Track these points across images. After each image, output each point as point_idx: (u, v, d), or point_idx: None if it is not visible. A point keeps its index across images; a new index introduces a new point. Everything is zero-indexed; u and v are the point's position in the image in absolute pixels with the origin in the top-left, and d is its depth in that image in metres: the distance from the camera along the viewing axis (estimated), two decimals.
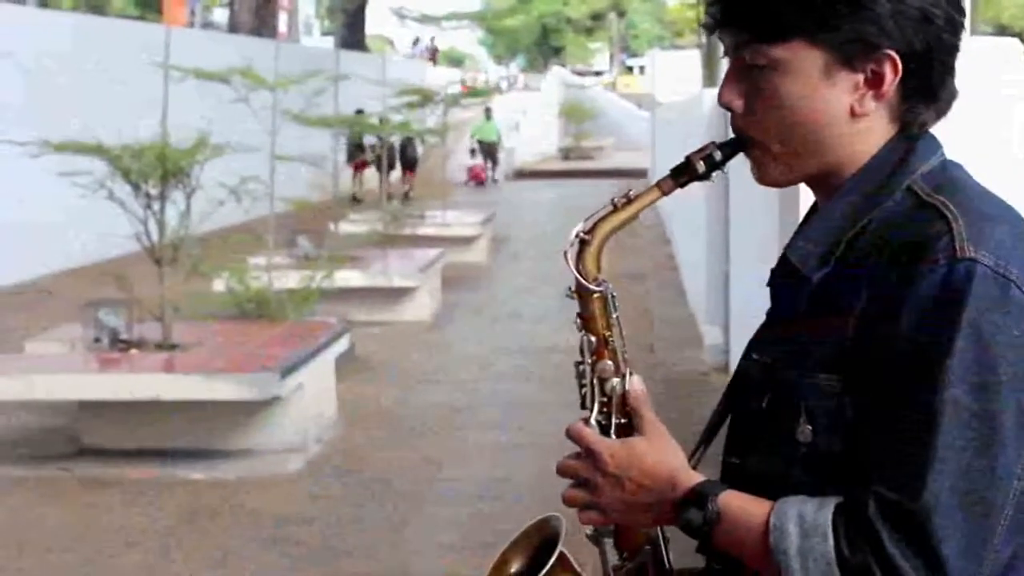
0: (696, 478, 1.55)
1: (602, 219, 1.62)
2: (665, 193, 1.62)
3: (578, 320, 1.64)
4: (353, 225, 14.13)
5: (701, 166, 1.61)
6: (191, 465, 7.15)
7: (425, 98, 16.10)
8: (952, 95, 1.58)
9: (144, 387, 7.12)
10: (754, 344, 1.69)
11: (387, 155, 19.00)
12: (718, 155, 1.62)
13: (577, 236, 1.61)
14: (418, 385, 9.53)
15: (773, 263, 1.66)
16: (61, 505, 6.62)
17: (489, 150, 30.76)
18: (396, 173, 22.76)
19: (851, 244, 1.54)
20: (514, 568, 1.71)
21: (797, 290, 1.58)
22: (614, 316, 1.63)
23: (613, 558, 1.69)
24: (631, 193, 1.62)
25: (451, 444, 7.87)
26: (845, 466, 1.47)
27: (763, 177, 1.64)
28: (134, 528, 6.24)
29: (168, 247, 8.03)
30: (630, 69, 65.83)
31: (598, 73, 69.47)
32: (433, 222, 16.27)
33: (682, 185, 1.63)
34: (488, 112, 31.02)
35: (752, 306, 8.26)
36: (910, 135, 1.57)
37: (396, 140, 24.00)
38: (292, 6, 33.46)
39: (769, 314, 1.70)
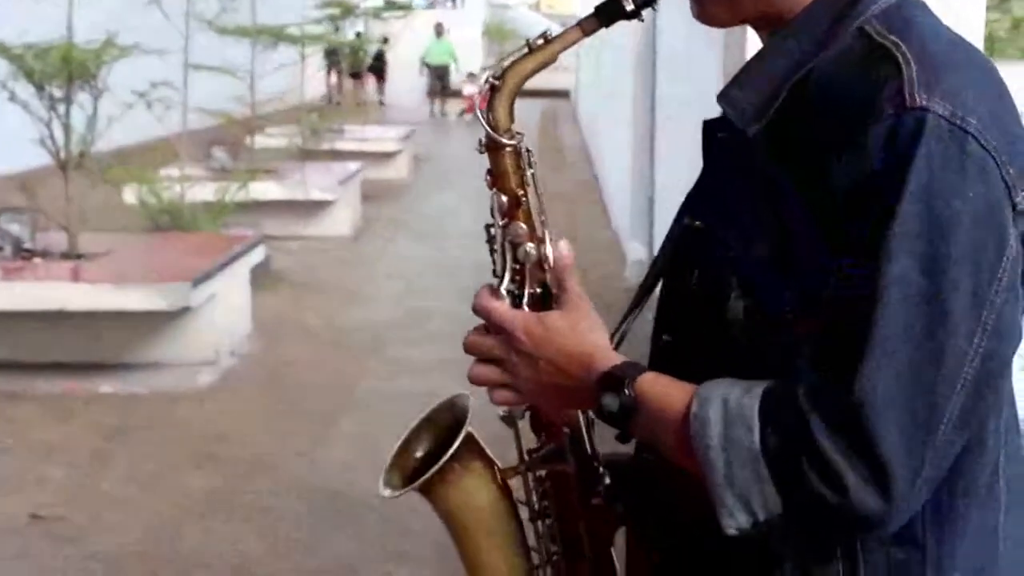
0: (614, 359, 1.36)
1: (515, 62, 1.42)
2: (587, 33, 1.42)
3: (488, 177, 1.45)
4: (270, 139, 13.79)
5: (629, 3, 1.40)
6: (101, 379, 6.92)
7: (346, 11, 15.70)
8: None
9: (49, 297, 6.83)
10: (685, 207, 1.51)
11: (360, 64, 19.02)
12: None
13: (487, 81, 1.42)
14: (338, 300, 9.32)
15: None
16: None
17: (439, 75, 27.72)
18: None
19: (792, 93, 1.34)
20: (420, 451, 1.55)
21: (732, 146, 1.40)
22: (529, 173, 1.44)
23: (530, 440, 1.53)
24: (548, 33, 1.42)
25: (372, 359, 7.69)
26: (778, 347, 1.29)
27: (703, 14, 1.44)
28: (55, 443, 6.01)
29: (76, 155, 7.72)
30: None
31: None
32: (352, 137, 15.98)
33: (607, 24, 1.42)
34: (439, 29, 28.35)
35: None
36: None
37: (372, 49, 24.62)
38: None
39: (702, 174, 1.52)
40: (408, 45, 29.36)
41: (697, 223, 1.44)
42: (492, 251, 1.47)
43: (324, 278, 10.07)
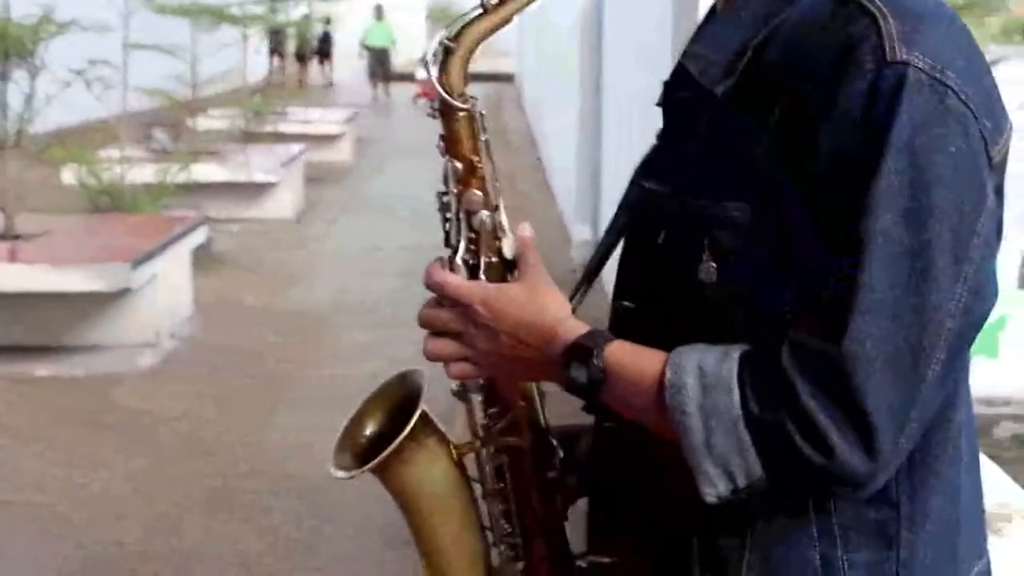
0: (579, 329, 1.32)
1: (470, 23, 1.37)
2: None
3: (441, 143, 1.40)
4: (212, 121, 13.62)
5: None
6: (39, 362, 6.80)
7: None
8: None
9: None
10: (643, 171, 1.47)
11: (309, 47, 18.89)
12: None
13: (440, 43, 1.37)
14: (280, 282, 9.22)
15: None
16: None
17: (379, 58, 26.75)
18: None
19: (759, 51, 1.30)
20: (370, 429, 1.49)
21: (696, 106, 1.35)
22: (483, 139, 1.40)
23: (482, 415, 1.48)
24: None
25: (315, 342, 7.61)
26: (755, 309, 1.26)
27: None
28: None
29: (13, 135, 7.57)
30: None
31: None
32: (295, 119, 15.85)
33: None
34: (379, 11, 27.54)
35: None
36: None
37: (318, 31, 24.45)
38: None
39: (662, 137, 1.47)
40: (353, 27, 29.17)
41: (660, 187, 1.39)
42: (445, 220, 1.43)
43: (266, 260, 9.96)
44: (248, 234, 10.76)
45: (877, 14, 1.21)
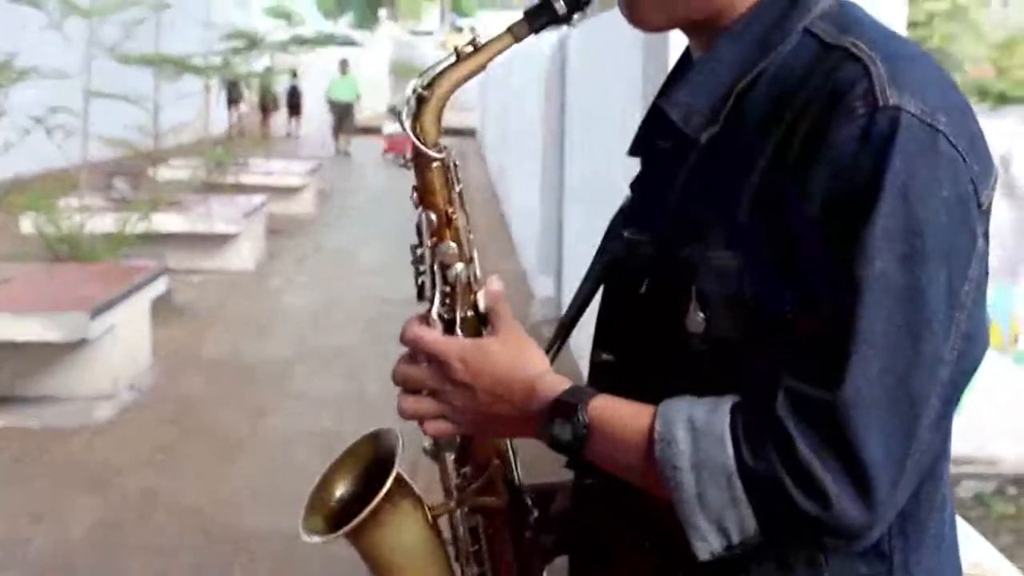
0: (561, 384, 1.29)
1: (444, 71, 1.35)
2: (517, 39, 1.35)
3: (414, 194, 1.37)
4: (174, 171, 13.58)
5: (560, 5, 1.34)
6: None
7: (251, 43, 15.56)
8: None
9: None
10: (623, 221, 1.44)
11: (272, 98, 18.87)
12: None
13: (414, 91, 1.35)
14: (240, 334, 9.14)
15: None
16: None
17: (343, 112, 26.50)
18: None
19: (743, 97, 1.29)
20: (340, 491, 1.44)
21: (679, 154, 1.33)
22: (457, 190, 1.38)
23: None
24: (478, 40, 1.35)
25: (274, 395, 7.53)
26: (745, 359, 1.23)
27: (636, 16, 1.37)
28: None
29: None
30: (460, 29, 65.41)
31: (428, 33, 68.90)
32: (257, 171, 15.81)
33: (537, 29, 1.35)
34: (344, 65, 27.41)
35: (585, 257, 8.18)
36: None
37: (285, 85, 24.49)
38: None
39: (640, 186, 1.45)
40: (316, 80, 29.19)
41: (642, 236, 1.37)
42: (418, 273, 1.40)
43: (227, 312, 9.89)
44: (208, 285, 10.69)
45: (866, 59, 1.20)
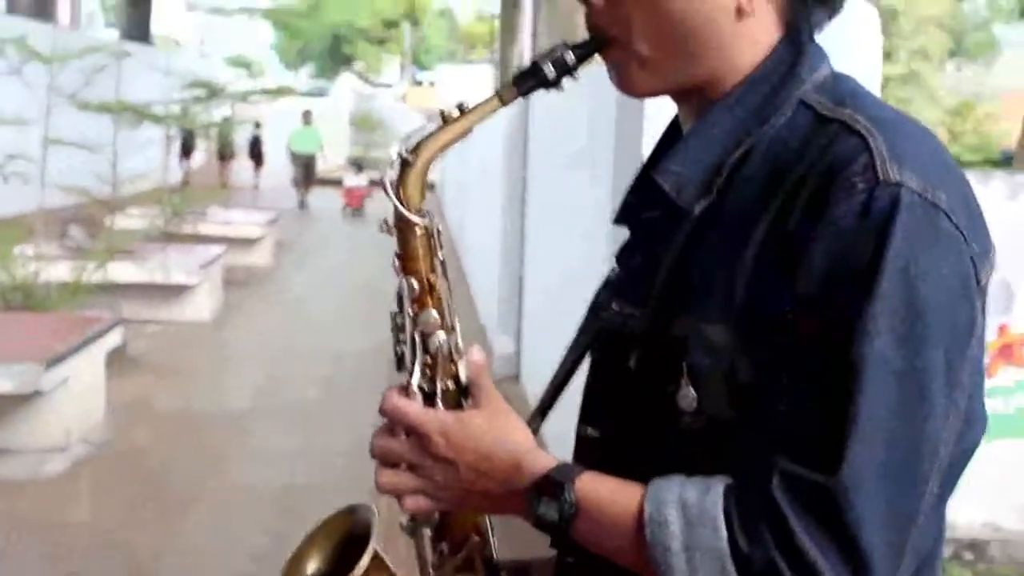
0: (546, 462, 1.25)
1: (429, 136, 1.32)
2: (505, 103, 1.33)
3: (396, 261, 1.34)
4: (131, 219, 13.46)
5: (550, 70, 1.31)
6: None
7: (212, 92, 15.50)
8: None
9: None
10: (609, 292, 1.41)
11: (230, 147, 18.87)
12: (570, 56, 1.32)
13: (399, 156, 1.32)
14: (196, 386, 9.04)
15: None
16: None
17: (306, 163, 25.90)
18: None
19: (736, 169, 1.26)
20: (313, 567, 1.39)
21: (670, 225, 1.30)
22: (440, 256, 1.34)
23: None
24: (464, 104, 1.32)
25: (229, 449, 7.43)
26: (737, 438, 1.19)
27: (626, 84, 1.34)
28: None
29: None
30: (420, 83, 65.63)
31: (388, 85, 69.08)
32: (215, 220, 15.71)
33: (525, 93, 1.33)
34: (307, 116, 27.01)
35: (545, 314, 8.07)
36: (797, 40, 1.30)
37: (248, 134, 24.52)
38: None
39: (628, 258, 1.42)
40: (277, 131, 29.14)
41: (631, 310, 1.34)
42: (398, 342, 1.35)
43: (182, 363, 9.77)
44: (164, 336, 10.59)
45: (865, 133, 1.18)
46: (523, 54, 13.48)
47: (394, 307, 1.36)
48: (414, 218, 1.32)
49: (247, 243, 15.53)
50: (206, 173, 28.20)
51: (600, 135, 5.34)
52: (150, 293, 11.05)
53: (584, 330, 1.44)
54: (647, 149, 1.42)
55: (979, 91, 37.57)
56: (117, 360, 8.39)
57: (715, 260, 1.23)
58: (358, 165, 24.81)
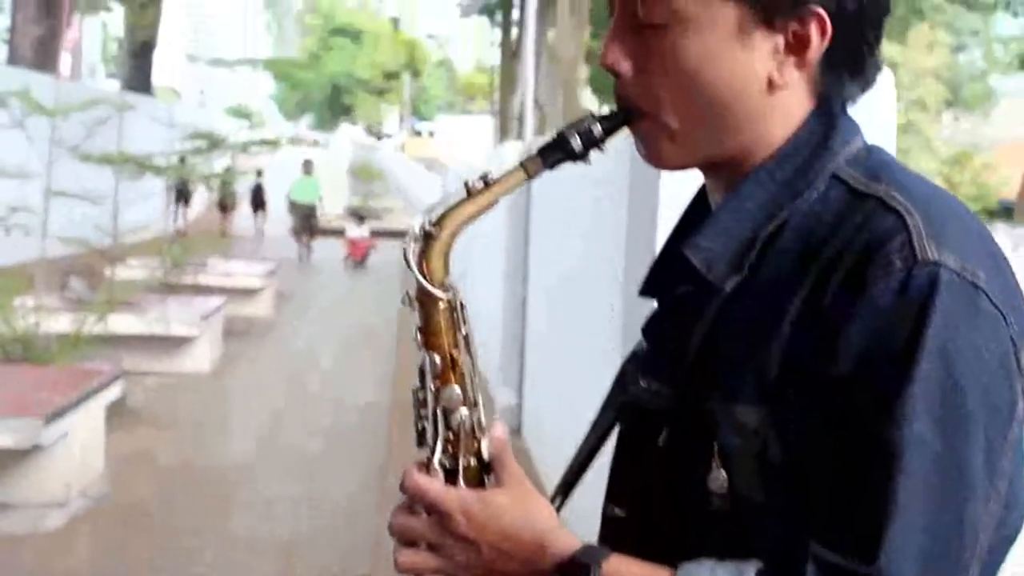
0: (572, 543, 1.21)
1: (453, 208, 1.28)
2: (531, 176, 1.29)
3: (418, 335, 1.30)
4: (131, 270, 13.44)
5: (577, 142, 1.27)
6: None
7: (213, 143, 15.52)
8: (878, 67, 1.29)
9: None
10: (637, 367, 1.37)
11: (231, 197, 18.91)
12: (597, 129, 1.28)
13: (422, 228, 1.28)
14: (196, 440, 8.99)
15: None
16: None
17: (306, 215, 25.10)
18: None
19: (769, 244, 1.23)
20: None
21: (700, 301, 1.27)
22: (463, 331, 1.30)
23: None
24: (489, 176, 1.28)
25: (231, 503, 7.37)
26: (770, 522, 1.16)
27: (655, 157, 1.31)
28: None
29: None
30: (419, 133, 65.97)
31: (387, 135, 69.36)
32: (215, 271, 15.68)
33: (552, 166, 1.29)
34: (308, 167, 26.31)
35: (547, 367, 8.02)
36: (829, 112, 1.27)
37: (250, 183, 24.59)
38: (76, 47, 32.28)
39: (655, 332, 1.38)
40: (277, 180, 29.17)
41: (660, 387, 1.30)
42: (419, 417, 1.32)
43: (182, 416, 9.72)
44: (165, 388, 10.53)
45: (903, 211, 1.15)
46: (526, 104, 13.49)
47: (415, 382, 1.33)
48: (437, 292, 1.28)
49: (247, 293, 15.49)
50: (208, 221, 28.23)
51: (601, 184, 5.32)
52: (150, 344, 11.01)
53: (609, 404, 1.41)
54: (662, 217, 1.39)
55: (976, 141, 37.76)
56: (117, 412, 8.34)
57: (746, 338, 1.20)
58: (359, 215, 24.47)
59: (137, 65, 30.99)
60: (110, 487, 7.44)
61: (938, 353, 1.09)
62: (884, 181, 1.20)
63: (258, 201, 28.86)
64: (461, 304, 1.31)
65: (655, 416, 1.29)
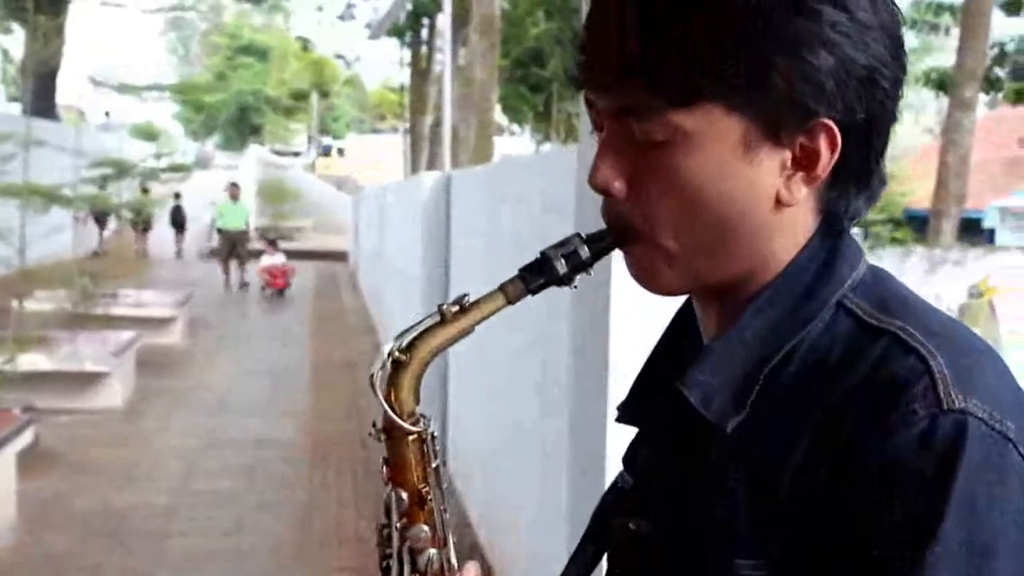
0: None
1: (424, 333, 1.18)
2: (511, 300, 1.18)
3: (384, 469, 1.21)
4: (40, 303, 13.13)
5: (562, 265, 1.17)
6: None
7: (122, 170, 15.26)
8: (883, 181, 1.19)
9: None
10: (622, 505, 1.28)
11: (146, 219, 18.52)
12: (585, 252, 1.17)
13: (389, 355, 1.18)
14: (113, 482, 8.73)
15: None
16: None
17: (234, 241, 23.14)
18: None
19: (772, 379, 1.13)
20: None
21: (696, 441, 1.16)
22: (434, 464, 1.21)
23: None
24: (466, 300, 1.18)
25: (150, 549, 7.17)
26: None
27: (650, 281, 1.19)
28: None
29: None
30: (328, 152, 65.51)
31: (296, 154, 68.80)
32: (126, 302, 15.38)
33: (534, 291, 1.18)
34: (234, 190, 24.53)
35: (471, 389, 7.92)
36: (836, 231, 1.18)
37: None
38: None
39: (639, 465, 1.29)
40: (193, 201, 28.96)
41: (647, 529, 1.21)
42: (384, 556, 1.23)
43: (97, 457, 9.44)
44: (78, 426, 10.27)
45: (924, 351, 1.06)
46: (444, 128, 13.43)
47: (382, 518, 1.24)
48: (406, 425, 1.19)
49: (159, 323, 15.22)
50: (127, 241, 27.83)
51: (523, 201, 5.24)
52: (61, 381, 10.74)
53: (592, 540, 1.32)
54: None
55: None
56: (28, 455, 8.11)
57: (750, 487, 1.11)
58: (270, 240, 23.63)
59: (40, 89, 30.41)
60: (21, 536, 7.25)
61: (964, 509, 1.01)
62: (895, 313, 1.11)
63: (178, 221, 28.57)
64: (432, 435, 1.22)
65: (642, 561, 1.20)
